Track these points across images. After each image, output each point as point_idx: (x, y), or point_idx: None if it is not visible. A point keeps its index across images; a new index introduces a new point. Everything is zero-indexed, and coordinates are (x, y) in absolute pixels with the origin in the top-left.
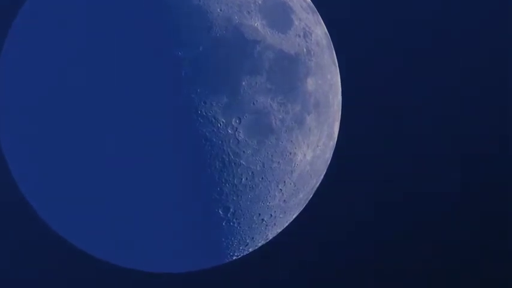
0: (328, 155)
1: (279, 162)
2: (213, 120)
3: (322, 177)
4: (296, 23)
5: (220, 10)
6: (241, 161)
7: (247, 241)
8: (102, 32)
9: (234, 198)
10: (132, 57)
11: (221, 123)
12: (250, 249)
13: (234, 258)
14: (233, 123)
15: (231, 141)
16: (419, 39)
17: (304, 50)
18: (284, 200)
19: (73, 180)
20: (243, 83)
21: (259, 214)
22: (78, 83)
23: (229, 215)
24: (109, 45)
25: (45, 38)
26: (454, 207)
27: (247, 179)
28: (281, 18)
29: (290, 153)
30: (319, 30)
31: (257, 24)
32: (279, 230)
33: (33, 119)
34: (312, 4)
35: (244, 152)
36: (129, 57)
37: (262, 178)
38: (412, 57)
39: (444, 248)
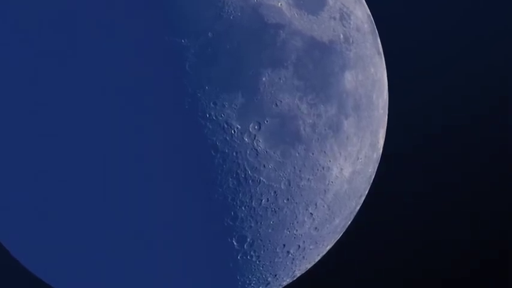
0: (371, 170)
1: (308, 179)
2: (225, 125)
3: (363, 198)
4: (331, 2)
5: None
6: (261, 178)
7: (269, 279)
8: (84, 16)
9: (252, 225)
10: (121, 48)
11: (235, 130)
12: None
13: None
14: (251, 129)
15: (248, 152)
16: (486, 21)
17: (341, 36)
18: (315, 228)
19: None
20: (263, 79)
21: (284, 245)
22: (52, 83)
23: (245, 246)
24: (92, 32)
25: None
26: None
27: (268, 200)
28: None
29: (323, 168)
30: (360, 12)
31: (281, 3)
32: (309, 266)
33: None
34: None
35: (264, 166)
36: (118, 47)
37: (288, 199)
38: (474, 46)
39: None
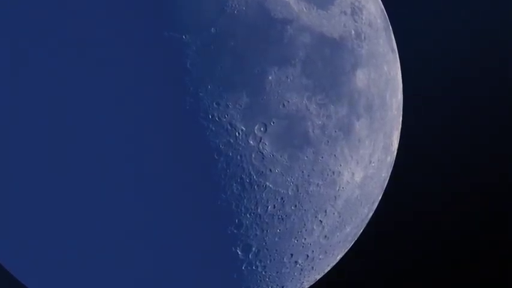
0: (385, 174)
1: (318, 184)
2: (229, 127)
3: (376, 204)
4: None
5: None
6: (267, 183)
7: None
8: (78, 11)
9: (258, 233)
10: (118, 45)
11: (240, 132)
12: None
13: None
14: (256, 131)
15: (254, 155)
16: (506, 18)
17: (353, 32)
18: (325, 236)
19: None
20: (270, 78)
21: (292, 255)
22: (50, 81)
23: (250, 255)
24: (86, 28)
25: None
26: None
27: (275, 207)
28: None
29: (333, 173)
30: (373, 6)
31: None
32: (318, 276)
33: None
34: None
35: (271, 170)
36: (114, 44)
37: (296, 206)
38: (493, 43)
39: None
